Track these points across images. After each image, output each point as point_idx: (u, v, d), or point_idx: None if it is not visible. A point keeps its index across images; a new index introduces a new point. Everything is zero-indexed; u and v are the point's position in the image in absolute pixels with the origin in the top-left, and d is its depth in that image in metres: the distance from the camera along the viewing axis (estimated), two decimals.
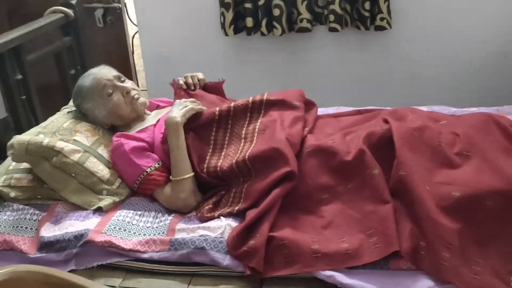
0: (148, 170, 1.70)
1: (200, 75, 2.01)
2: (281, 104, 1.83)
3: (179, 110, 1.75)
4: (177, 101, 1.82)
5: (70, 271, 1.53)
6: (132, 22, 3.30)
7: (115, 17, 3.15)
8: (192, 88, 1.96)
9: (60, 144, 1.71)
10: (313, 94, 2.94)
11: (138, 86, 3.71)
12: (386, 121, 1.71)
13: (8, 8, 3.22)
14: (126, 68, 3.35)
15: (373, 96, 2.94)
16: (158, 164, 1.72)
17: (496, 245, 1.40)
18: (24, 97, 2.07)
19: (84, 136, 1.80)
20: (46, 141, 1.71)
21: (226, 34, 2.91)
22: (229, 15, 2.85)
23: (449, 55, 2.81)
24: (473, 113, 1.87)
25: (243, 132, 1.76)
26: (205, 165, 1.71)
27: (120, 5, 3.12)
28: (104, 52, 3.25)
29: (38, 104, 2.16)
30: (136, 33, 3.29)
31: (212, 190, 1.71)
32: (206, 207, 1.63)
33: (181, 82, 1.97)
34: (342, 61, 2.94)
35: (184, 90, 1.94)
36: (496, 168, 1.48)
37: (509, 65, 2.76)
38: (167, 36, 3.09)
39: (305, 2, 2.75)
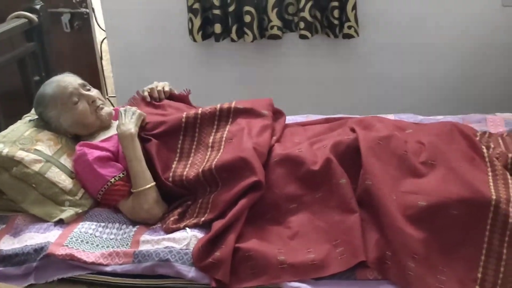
0: (112, 180, 1.66)
1: (166, 87, 1.98)
2: (249, 113, 1.81)
3: (130, 119, 1.72)
4: (122, 109, 1.78)
5: (29, 286, 1.49)
6: (100, 27, 3.25)
7: (83, 22, 3.09)
8: (157, 100, 1.92)
9: (20, 154, 1.66)
10: (283, 100, 2.94)
11: (107, 92, 3.67)
12: (353, 130, 1.71)
13: None
14: (94, 74, 3.30)
15: (342, 102, 2.96)
16: (123, 174, 1.68)
17: (461, 253, 1.40)
18: None
19: (46, 145, 1.75)
20: (5, 150, 1.65)
21: (194, 40, 2.88)
22: (197, 21, 2.83)
23: (416, 62, 2.85)
24: (438, 122, 1.88)
25: (210, 140, 1.74)
26: (171, 174, 1.68)
27: (87, 10, 3.07)
28: (71, 57, 3.19)
29: (1, 112, 2.09)
30: (105, 38, 3.24)
31: (178, 199, 1.68)
32: (172, 218, 1.59)
33: (145, 94, 1.93)
34: (312, 68, 2.95)
35: (148, 102, 1.91)
36: (460, 177, 1.49)
37: (477, 73, 2.80)
38: (136, 42, 3.05)
39: (276, 9, 2.75)
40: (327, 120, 2.02)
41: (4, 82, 2.71)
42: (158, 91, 1.94)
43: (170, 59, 3.06)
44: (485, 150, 1.59)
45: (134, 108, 1.79)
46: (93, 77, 3.29)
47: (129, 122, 1.72)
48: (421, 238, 1.41)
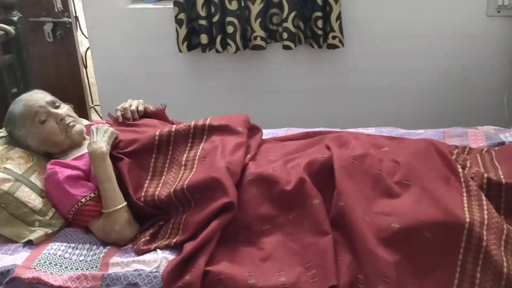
0: (83, 200, 1.63)
1: (140, 106, 1.94)
2: (224, 130, 1.78)
3: (102, 138, 1.68)
4: (93, 127, 1.74)
5: None
6: (85, 35, 3.22)
7: (65, 32, 3.07)
8: (131, 121, 1.90)
9: None
10: (267, 110, 2.95)
11: (92, 100, 3.64)
12: (328, 148, 1.69)
13: None
14: (77, 83, 3.27)
15: (325, 113, 2.94)
16: (94, 193, 1.65)
17: (434, 277, 1.38)
18: None
19: (17, 163, 1.72)
20: None
21: (180, 51, 2.86)
22: (183, 32, 2.81)
23: (400, 73, 2.83)
24: (416, 139, 1.86)
25: (184, 158, 1.71)
26: (143, 194, 1.65)
27: (70, 19, 3.04)
28: (54, 66, 3.17)
29: None
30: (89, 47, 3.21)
31: (150, 219, 1.65)
32: (143, 239, 1.56)
33: (118, 114, 1.90)
34: (296, 79, 2.93)
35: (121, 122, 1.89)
36: (434, 198, 1.47)
37: (459, 85, 2.79)
38: (120, 52, 3.03)
39: (259, 20, 2.73)
40: (306, 135, 1.99)
41: None
42: (132, 111, 1.91)
43: (154, 69, 3.04)
44: (460, 170, 1.56)
45: (106, 126, 1.76)
46: (76, 86, 3.27)
47: (101, 140, 1.68)
48: (393, 261, 1.38)
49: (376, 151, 1.68)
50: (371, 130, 2.17)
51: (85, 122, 2.04)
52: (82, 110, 3.30)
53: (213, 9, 2.72)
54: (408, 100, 2.86)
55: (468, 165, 1.65)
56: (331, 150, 1.65)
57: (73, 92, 3.24)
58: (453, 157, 1.66)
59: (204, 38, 2.80)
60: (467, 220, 1.39)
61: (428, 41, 2.73)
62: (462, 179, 1.53)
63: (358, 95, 2.90)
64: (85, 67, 3.45)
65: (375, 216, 1.47)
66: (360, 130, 2.19)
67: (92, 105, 3.64)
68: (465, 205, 1.45)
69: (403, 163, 1.61)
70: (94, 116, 3.65)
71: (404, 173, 1.57)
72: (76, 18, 3.22)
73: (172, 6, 2.76)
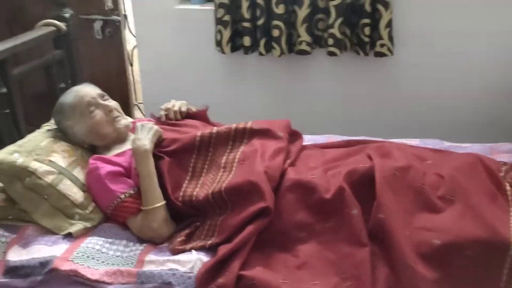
0: (122, 196, 1.65)
1: (183, 107, 1.96)
2: (265, 134, 1.77)
3: (146, 135, 1.70)
4: (138, 124, 1.77)
5: None
6: (133, 34, 3.27)
7: (114, 30, 3.13)
8: (173, 120, 1.92)
9: (34, 165, 1.67)
10: (308, 117, 2.92)
11: (136, 98, 3.70)
12: (370, 158, 1.65)
13: (8, 15, 3.23)
14: (122, 80, 3.33)
15: (368, 122, 2.89)
16: (133, 190, 1.67)
17: None
18: (7, 111, 2.03)
19: (61, 156, 1.76)
20: (20, 161, 1.66)
21: (223, 52, 2.87)
22: (227, 33, 2.81)
23: (449, 84, 2.75)
24: (462, 153, 1.80)
25: (223, 160, 1.71)
26: (181, 194, 1.65)
27: (119, 17, 3.10)
28: (101, 63, 3.23)
29: (23, 119, 2.12)
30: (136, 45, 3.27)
31: (187, 219, 1.66)
32: (179, 239, 1.57)
33: (161, 113, 1.93)
34: (340, 86, 2.89)
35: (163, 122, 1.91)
36: (479, 215, 1.42)
37: (509, 97, 2.69)
38: (165, 51, 3.06)
39: (305, 25, 2.70)
40: (347, 143, 1.96)
41: (32, 86, 2.77)
42: (174, 112, 1.93)
43: (197, 69, 3.06)
44: (508, 188, 1.50)
45: (151, 124, 1.78)
46: (122, 83, 3.32)
47: (145, 137, 1.71)
48: (432, 278, 1.35)
49: (419, 163, 1.64)
50: (415, 142, 2.12)
51: (130, 119, 2.07)
52: (126, 108, 3.36)
53: (258, 12, 2.72)
54: (456, 112, 2.77)
55: None
56: (372, 160, 1.61)
57: (118, 89, 3.29)
58: (501, 174, 1.59)
59: (247, 40, 2.81)
60: None
61: (482, 51, 2.63)
62: (510, 198, 1.47)
63: (403, 105, 2.83)
64: (131, 65, 3.51)
65: (416, 231, 1.43)
66: (403, 141, 2.14)
67: (136, 103, 3.70)
68: None
69: (447, 177, 1.56)
70: (137, 114, 3.71)
71: (448, 188, 1.53)
72: (125, 16, 3.28)
73: (217, 7, 2.78)
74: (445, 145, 2.10)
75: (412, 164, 1.59)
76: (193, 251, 1.53)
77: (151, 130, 1.73)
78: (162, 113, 1.93)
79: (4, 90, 2.02)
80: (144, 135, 1.72)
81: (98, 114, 1.82)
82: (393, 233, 1.41)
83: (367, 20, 2.62)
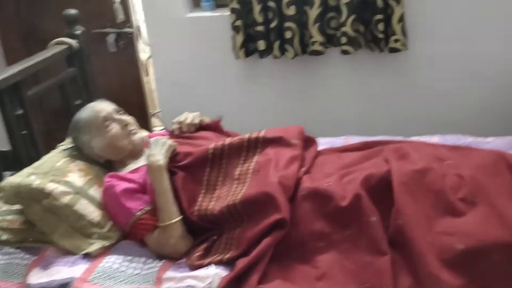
0: (138, 214, 1.65)
1: (196, 119, 1.95)
2: (278, 142, 1.75)
3: (160, 151, 1.70)
4: (152, 139, 1.76)
5: None
6: (147, 44, 3.28)
7: (127, 41, 3.14)
8: (186, 133, 1.91)
9: (50, 187, 1.67)
10: (325, 118, 2.88)
11: (154, 108, 3.71)
12: (387, 161, 1.61)
13: (23, 33, 3.28)
14: (138, 91, 3.34)
15: (387, 121, 2.83)
16: (150, 207, 1.66)
17: None
18: (25, 132, 2.05)
19: (77, 175, 1.76)
20: (36, 183, 1.67)
21: (237, 57, 2.85)
22: (240, 38, 2.79)
23: (468, 76, 2.67)
24: (483, 150, 1.73)
25: (237, 172, 1.69)
26: (196, 208, 1.64)
27: (132, 29, 3.11)
28: (116, 76, 3.26)
29: (40, 139, 2.14)
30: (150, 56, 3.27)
31: (203, 233, 1.64)
32: (196, 254, 1.56)
33: (174, 127, 1.93)
34: (356, 84, 2.84)
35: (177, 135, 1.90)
36: (503, 217, 1.36)
37: None
38: (179, 60, 3.06)
39: (317, 24, 2.66)
40: (365, 145, 1.91)
41: (51, 104, 2.80)
42: (187, 125, 1.92)
43: (213, 76, 3.05)
44: None
45: (164, 139, 1.77)
46: (138, 93, 3.34)
47: (159, 153, 1.70)
48: (458, 285, 1.30)
49: (438, 164, 1.58)
50: (435, 139, 2.06)
51: (145, 133, 2.07)
52: (143, 118, 3.38)
53: (270, 15, 2.69)
54: (477, 105, 2.69)
55: None
56: (390, 164, 1.57)
57: (134, 99, 3.31)
58: None
59: (261, 44, 2.78)
60: None
61: (500, 42, 2.56)
62: None
63: (422, 101, 2.76)
64: (147, 75, 3.52)
65: (438, 236, 1.38)
66: (424, 138, 2.08)
67: (153, 112, 3.71)
68: None
69: (468, 178, 1.51)
70: (155, 123, 3.73)
71: (469, 189, 1.47)
72: (138, 27, 3.29)
73: (229, 13, 2.76)
74: (467, 140, 2.03)
75: (430, 166, 1.54)
76: (211, 266, 1.51)
77: (165, 145, 1.73)
78: (175, 126, 1.92)
79: (21, 111, 2.04)
80: (158, 151, 1.71)
81: (114, 128, 1.83)
82: (414, 240, 1.37)
83: (379, 16, 2.56)
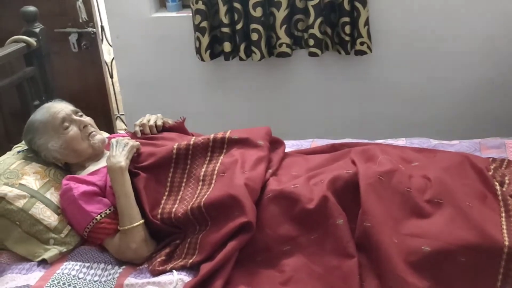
0: (98, 217, 1.58)
1: (159, 120, 1.89)
2: (245, 143, 1.71)
3: (121, 152, 1.64)
4: (113, 140, 1.70)
5: None
6: (110, 45, 3.20)
7: (90, 42, 3.05)
8: (149, 135, 1.85)
9: (3, 190, 1.59)
10: (292, 120, 2.86)
11: (118, 110, 3.63)
12: (354, 163, 1.59)
13: None
14: (102, 93, 3.25)
15: (354, 123, 2.84)
16: (109, 210, 1.60)
17: None
18: None
19: (33, 178, 1.68)
20: None
21: (202, 59, 2.80)
22: (205, 40, 2.75)
23: (434, 81, 2.70)
24: (449, 152, 1.74)
25: (202, 173, 1.64)
26: (159, 211, 1.58)
27: (94, 29, 3.02)
28: (79, 76, 3.16)
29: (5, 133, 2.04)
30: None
31: (166, 237, 1.59)
32: (159, 259, 1.50)
33: (136, 129, 1.86)
34: (323, 87, 2.84)
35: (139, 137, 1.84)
36: (469, 219, 1.36)
37: (495, 92, 2.64)
38: (143, 61, 2.99)
39: (284, 26, 2.64)
40: (332, 147, 1.90)
41: (10, 105, 2.68)
42: (150, 126, 1.86)
43: (177, 78, 3.00)
44: (498, 187, 1.44)
45: (126, 139, 1.71)
46: (102, 95, 3.25)
47: (120, 154, 1.64)
48: (424, 287, 1.28)
49: (405, 166, 1.58)
50: (401, 142, 2.06)
51: (106, 134, 2.00)
52: (107, 120, 3.29)
53: (236, 17, 2.66)
54: (441, 108, 2.72)
55: (507, 181, 1.52)
56: (357, 166, 1.55)
57: (98, 102, 3.22)
58: (490, 172, 1.54)
59: (227, 46, 2.74)
60: (506, 243, 1.28)
61: (462, 45, 2.60)
62: (500, 198, 1.41)
63: (388, 104, 2.78)
64: (111, 76, 3.43)
65: (404, 238, 1.37)
66: (390, 141, 2.08)
67: (117, 115, 3.63)
68: (504, 226, 1.33)
69: (434, 179, 1.50)
70: (120, 125, 3.64)
71: (435, 190, 1.47)
72: (102, 28, 3.20)
73: (194, 14, 2.71)
74: (433, 143, 2.04)
75: (397, 168, 1.53)
76: (174, 271, 1.46)
77: (126, 146, 1.67)
78: (137, 129, 1.86)
79: None
80: (119, 152, 1.65)
81: (73, 129, 1.75)
82: (381, 242, 1.35)
83: (346, 19, 2.57)
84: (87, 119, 1.83)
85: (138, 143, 1.72)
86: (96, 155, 1.81)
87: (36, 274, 1.51)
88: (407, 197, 1.46)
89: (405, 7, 2.59)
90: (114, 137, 1.80)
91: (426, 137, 2.12)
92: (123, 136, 1.83)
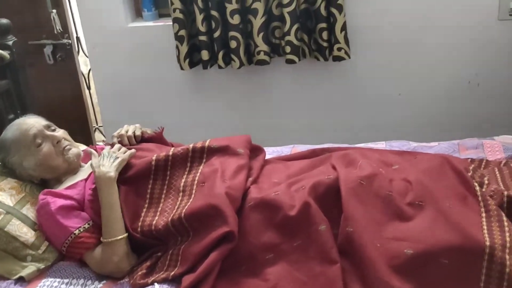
0: (76, 232, 1.54)
1: (137, 130, 1.86)
2: (224, 152, 1.69)
3: (111, 163, 1.61)
4: (105, 151, 1.67)
5: None
6: (86, 56, 3.16)
7: (65, 53, 3.01)
8: (127, 146, 1.82)
9: None
10: (271, 128, 2.86)
11: (97, 122, 3.58)
12: (334, 168, 1.59)
13: None
14: (79, 105, 3.21)
15: (334, 128, 2.84)
16: (88, 224, 1.57)
17: None
18: None
19: (8, 194, 1.64)
20: None
21: (182, 68, 2.78)
22: (184, 48, 2.73)
23: (411, 84, 2.73)
24: (428, 154, 1.75)
25: (182, 183, 1.62)
26: (139, 224, 1.56)
27: (70, 41, 2.99)
28: (56, 89, 3.12)
29: None
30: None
31: (147, 250, 1.56)
32: (140, 273, 1.47)
33: (114, 140, 1.82)
34: (302, 93, 2.84)
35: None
36: (450, 220, 1.36)
37: (472, 92, 2.67)
38: (121, 72, 2.96)
39: (262, 34, 2.64)
40: (312, 152, 1.89)
41: None
42: (128, 137, 1.82)
43: (157, 88, 2.97)
44: (478, 188, 1.45)
45: (117, 150, 1.68)
46: (79, 107, 3.21)
47: (110, 165, 1.61)
48: None
49: (385, 169, 1.58)
50: (381, 145, 2.07)
51: (83, 147, 1.96)
52: (86, 132, 3.24)
53: (213, 25, 2.65)
54: (419, 110, 2.75)
55: (486, 181, 1.53)
56: (337, 171, 1.55)
57: (76, 113, 3.18)
58: (470, 173, 1.54)
59: (205, 54, 2.73)
60: (487, 243, 1.28)
61: (438, 48, 2.63)
62: (480, 198, 1.42)
63: (367, 108, 2.79)
64: (89, 88, 3.39)
65: (387, 242, 1.36)
66: (370, 145, 2.09)
67: (96, 126, 3.58)
68: (484, 227, 1.34)
69: (415, 182, 1.50)
70: (98, 137, 3.60)
71: (416, 193, 1.47)
72: (78, 39, 3.17)
73: (172, 23, 2.69)
74: (412, 145, 2.05)
75: (378, 172, 1.53)
76: (155, 284, 1.43)
77: (117, 159, 1.63)
78: (115, 140, 1.82)
79: None
80: (110, 163, 1.62)
81: (46, 146, 1.71)
82: (364, 247, 1.35)
83: (323, 25, 2.57)
84: (60, 132, 1.78)
85: (134, 151, 1.69)
86: (72, 169, 1.77)
87: None
88: (388, 201, 1.45)
89: (381, 11, 2.60)
90: (91, 149, 1.77)
91: (406, 140, 2.13)
92: (102, 148, 1.80)
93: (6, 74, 2.25)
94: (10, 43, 2.24)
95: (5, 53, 2.20)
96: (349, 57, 2.62)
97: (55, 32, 2.94)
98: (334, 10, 2.53)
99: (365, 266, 1.33)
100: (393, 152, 1.83)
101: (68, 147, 1.75)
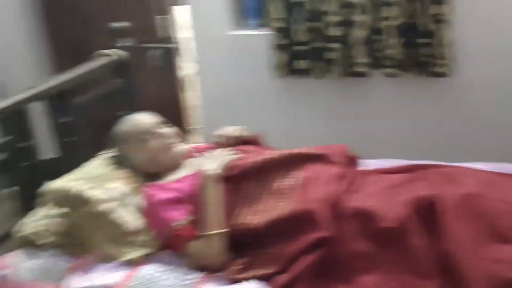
0: (176, 224, 1.64)
1: (238, 132, 1.96)
2: (321, 160, 1.73)
3: (220, 162, 1.72)
4: (215, 152, 1.77)
5: None
6: (189, 62, 3.33)
7: (170, 57, 3.19)
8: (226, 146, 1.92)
9: (89, 193, 1.68)
10: (367, 141, 2.84)
11: (192, 124, 3.74)
12: (435, 184, 1.57)
13: (73, 45, 3.36)
14: (178, 107, 3.38)
15: (431, 146, 2.77)
16: (188, 219, 1.65)
17: None
18: (71, 139, 2.09)
19: (121, 183, 1.77)
20: (75, 189, 1.69)
21: (279, 76, 2.86)
22: (282, 57, 2.81)
23: None
24: None
25: (278, 187, 1.67)
26: (234, 222, 1.63)
27: (175, 45, 3.16)
28: (158, 91, 3.30)
29: (86, 147, 2.17)
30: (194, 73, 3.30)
31: (239, 247, 1.62)
32: (235, 268, 1.54)
33: (218, 139, 1.94)
34: (400, 108, 2.81)
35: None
36: None
37: None
38: (223, 77, 3.09)
39: (362, 46, 2.66)
40: (411, 168, 1.87)
41: (93, 117, 2.84)
42: (228, 138, 1.93)
43: (255, 95, 3.06)
44: None
45: (229, 153, 1.80)
46: (178, 111, 3.37)
47: (217, 164, 1.72)
48: None
49: (489, 189, 1.53)
50: (479, 166, 1.99)
51: (188, 145, 2.08)
52: (184, 133, 3.40)
53: (314, 35, 2.70)
54: None
55: None
56: (438, 187, 1.53)
57: (174, 115, 3.34)
58: None
59: (304, 64, 2.79)
60: None
61: None
62: None
63: (467, 127, 2.70)
64: (186, 91, 3.55)
65: (487, 263, 1.33)
66: (468, 165, 2.02)
67: (189, 128, 3.74)
68: None
69: None
70: (193, 138, 3.75)
71: None
72: (179, 44, 3.33)
73: (273, 32, 2.78)
74: None
75: (480, 191, 1.50)
76: (250, 281, 1.49)
77: (224, 160, 1.75)
78: (217, 139, 1.92)
79: (67, 119, 2.08)
80: (216, 162, 1.73)
81: (154, 142, 1.84)
82: (462, 266, 1.32)
83: (426, 40, 2.54)
84: (169, 131, 1.90)
85: (239, 153, 1.79)
86: (176, 165, 1.88)
87: (120, 274, 1.59)
88: (489, 221, 1.42)
89: (489, 27, 2.52)
90: (198, 147, 1.88)
91: (506, 162, 2.05)
92: (206, 148, 1.90)
93: (121, 74, 2.41)
94: (128, 44, 2.41)
95: (122, 54, 2.37)
96: (451, 74, 2.56)
97: (162, 36, 3.12)
98: (440, 25, 2.49)
99: (463, 285, 1.30)
100: (495, 173, 1.77)
101: (173, 144, 1.86)
